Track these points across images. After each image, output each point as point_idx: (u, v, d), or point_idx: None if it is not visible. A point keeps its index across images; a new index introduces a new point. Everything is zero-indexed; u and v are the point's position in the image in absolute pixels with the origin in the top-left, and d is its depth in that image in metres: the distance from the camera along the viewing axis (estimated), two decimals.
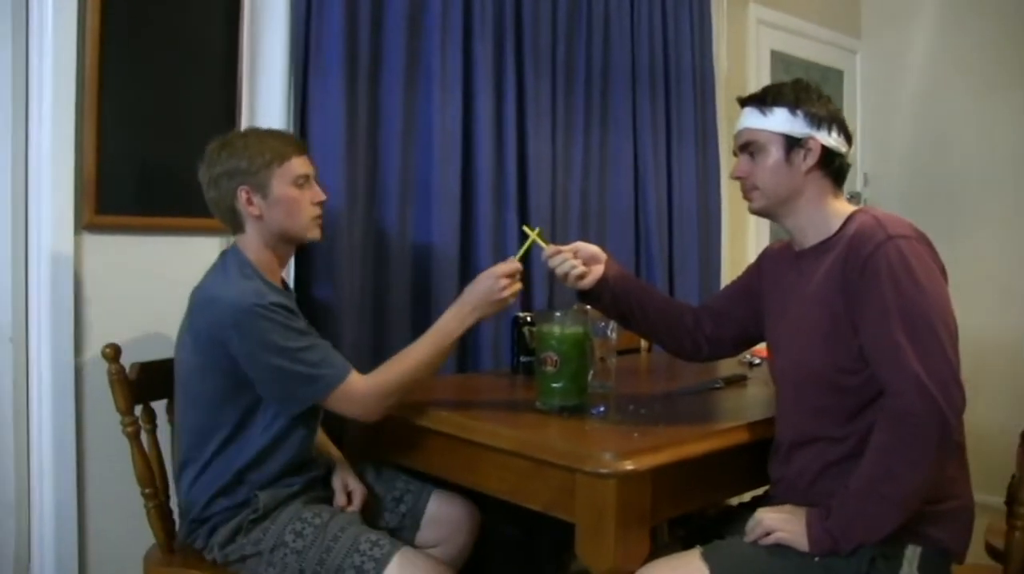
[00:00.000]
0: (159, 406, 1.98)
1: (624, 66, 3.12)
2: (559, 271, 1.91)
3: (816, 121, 1.66)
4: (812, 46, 4.24)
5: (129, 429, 1.87)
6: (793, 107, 1.66)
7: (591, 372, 2.02)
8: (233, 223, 1.85)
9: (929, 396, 1.43)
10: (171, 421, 1.98)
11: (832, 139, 1.67)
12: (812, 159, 1.66)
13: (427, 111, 2.54)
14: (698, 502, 1.80)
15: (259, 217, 1.80)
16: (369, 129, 2.44)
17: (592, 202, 3.03)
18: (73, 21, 2.00)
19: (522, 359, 2.38)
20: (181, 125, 2.18)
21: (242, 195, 1.78)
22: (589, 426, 1.80)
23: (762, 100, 1.70)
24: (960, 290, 1.73)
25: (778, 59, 4.06)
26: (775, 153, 1.67)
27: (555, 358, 1.84)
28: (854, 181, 4.39)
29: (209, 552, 1.80)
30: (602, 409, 1.91)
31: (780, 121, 1.67)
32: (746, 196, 1.76)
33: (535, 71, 2.82)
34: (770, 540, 1.53)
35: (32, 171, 2.00)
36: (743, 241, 3.81)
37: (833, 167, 1.68)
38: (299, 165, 1.83)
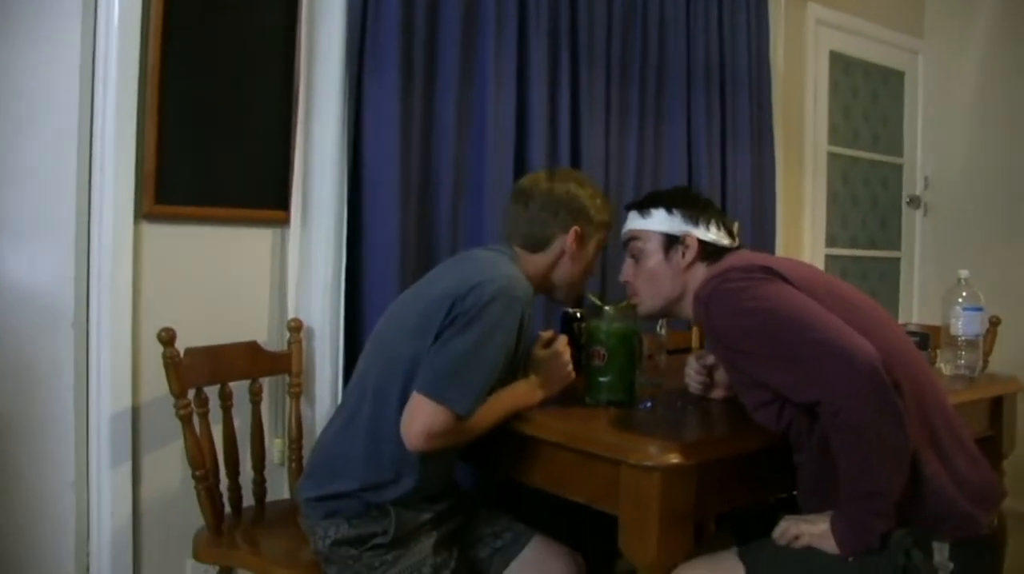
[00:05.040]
0: (212, 390, 2.02)
1: (679, 64, 3.10)
2: (690, 389, 2.00)
3: (692, 219, 1.80)
4: (872, 46, 4.15)
5: (182, 412, 1.91)
6: (669, 207, 1.82)
7: (639, 368, 2.01)
8: (534, 242, 1.91)
9: (833, 388, 1.42)
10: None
11: (711, 234, 1.80)
12: (691, 255, 1.79)
13: (481, 106, 2.55)
14: (744, 499, 1.78)
15: (564, 255, 1.91)
16: (423, 124, 2.46)
17: None
18: (137, 19, 2.06)
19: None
20: (239, 120, 2.23)
21: (574, 232, 1.89)
22: (636, 420, 1.79)
23: (642, 204, 1.87)
24: None
25: (837, 60, 4.00)
26: (655, 253, 1.82)
27: (603, 353, 1.83)
28: (914, 184, 4.33)
29: (318, 531, 1.72)
30: (649, 404, 1.90)
31: (658, 221, 1.82)
32: (630, 300, 1.88)
33: (589, 67, 2.82)
34: (799, 544, 1.51)
35: (95, 162, 2.06)
36: (798, 241, 3.76)
37: (714, 256, 1.79)
38: (607, 236, 2.00)
